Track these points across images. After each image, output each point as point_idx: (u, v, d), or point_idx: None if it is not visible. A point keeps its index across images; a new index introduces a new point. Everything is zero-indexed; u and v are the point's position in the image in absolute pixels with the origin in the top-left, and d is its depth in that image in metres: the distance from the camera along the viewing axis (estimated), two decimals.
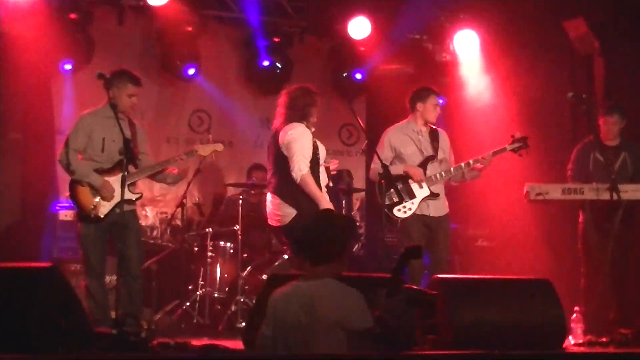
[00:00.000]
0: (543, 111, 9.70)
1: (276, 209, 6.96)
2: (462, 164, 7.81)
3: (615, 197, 7.42)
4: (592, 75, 9.69)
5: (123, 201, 6.77)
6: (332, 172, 7.28)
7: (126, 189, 6.79)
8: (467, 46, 10.09)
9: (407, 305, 5.01)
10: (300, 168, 6.84)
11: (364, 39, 10.13)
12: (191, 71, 9.97)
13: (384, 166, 7.02)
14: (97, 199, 7.01)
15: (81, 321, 5.21)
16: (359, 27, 10.03)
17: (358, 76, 10.55)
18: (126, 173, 6.73)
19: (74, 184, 7.08)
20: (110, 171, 7.08)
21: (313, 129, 7.07)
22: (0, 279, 5.04)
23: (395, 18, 9.98)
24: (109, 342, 5.21)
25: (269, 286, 5.48)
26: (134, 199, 7.18)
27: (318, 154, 7.00)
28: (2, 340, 4.78)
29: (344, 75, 10.63)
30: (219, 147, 7.69)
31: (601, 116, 8.20)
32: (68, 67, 9.42)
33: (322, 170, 7.06)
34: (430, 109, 7.86)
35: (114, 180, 6.98)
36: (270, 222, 7.07)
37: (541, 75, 9.78)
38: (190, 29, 9.77)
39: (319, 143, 7.08)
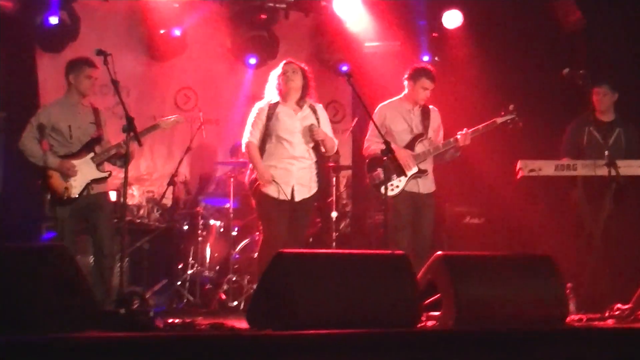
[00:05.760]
0: (531, 87, 9.67)
1: None
2: (451, 139, 7.67)
3: (613, 172, 7.43)
4: (577, 51, 9.70)
5: (93, 180, 7.12)
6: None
7: (95, 168, 7.14)
8: (454, 24, 10.05)
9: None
10: (243, 139, 7.24)
11: (350, 15, 10.05)
12: (177, 32, 9.92)
13: (386, 142, 6.81)
14: (69, 181, 7.08)
15: (88, 300, 5.16)
16: (345, 4, 9.96)
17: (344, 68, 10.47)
18: (94, 153, 7.17)
19: (43, 171, 7.10)
20: (77, 154, 7.16)
21: (292, 102, 7.29)
22: (7, 259, 4.99)
23: None
24: (117, 321, 5.17)
25: (275, 264, 5.44)
26: (103, 177, 7.25)
27: (274, 126, 7.14)
28: (10, 320, 4.73)
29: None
30: (180, 119, 7.77)
31: (593, 89, 8.19)
32: None
33: (288, 144, 7.14)
34: (419, 91, 7.72)
35: (83, 162, 7.13)
36: None
37: (528, 52, 9.78)
38: (176, 5, 9.68)
39: (283, 115, 7.20)
